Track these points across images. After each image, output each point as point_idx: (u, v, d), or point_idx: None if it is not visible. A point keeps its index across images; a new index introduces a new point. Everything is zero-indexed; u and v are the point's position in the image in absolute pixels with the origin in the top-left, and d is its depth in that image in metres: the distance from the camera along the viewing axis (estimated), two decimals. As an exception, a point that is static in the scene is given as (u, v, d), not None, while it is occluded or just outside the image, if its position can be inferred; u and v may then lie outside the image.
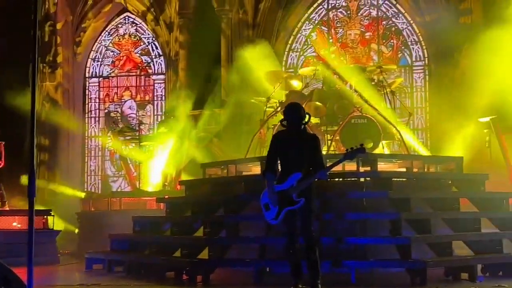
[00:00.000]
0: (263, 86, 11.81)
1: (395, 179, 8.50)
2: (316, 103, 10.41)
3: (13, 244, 10.34)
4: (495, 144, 11.91)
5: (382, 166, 9.00)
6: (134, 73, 17.90)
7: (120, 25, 18.08)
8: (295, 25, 16.75)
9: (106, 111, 17.89)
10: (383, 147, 10.48)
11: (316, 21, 16.86)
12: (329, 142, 10.33)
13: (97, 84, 18.07)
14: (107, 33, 18.13)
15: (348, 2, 16.71)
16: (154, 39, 17.64)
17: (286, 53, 16.63)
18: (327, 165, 6.44)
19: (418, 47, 16.27)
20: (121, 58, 17.97)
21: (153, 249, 9.21)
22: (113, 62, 18.04)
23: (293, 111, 6.44)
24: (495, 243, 8.08)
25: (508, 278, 7.64)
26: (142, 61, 17.90)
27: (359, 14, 16.64)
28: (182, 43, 16.37)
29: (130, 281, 8.28)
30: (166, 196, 11.61)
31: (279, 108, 10.55)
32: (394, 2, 16.40)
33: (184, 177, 13.20)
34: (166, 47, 17.02)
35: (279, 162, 6.44)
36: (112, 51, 18.09)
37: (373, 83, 10.76)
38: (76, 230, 14.15)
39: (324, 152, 8.56)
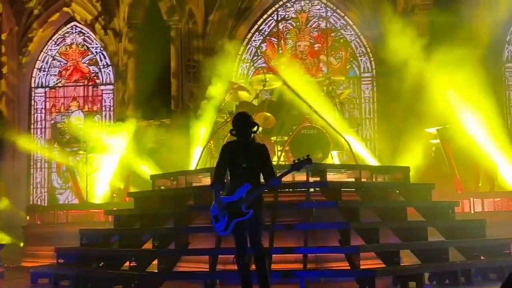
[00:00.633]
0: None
1: (344, 189, 8.56)
2: (266, 113, 10.42)
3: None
4: (442, 154, 12.16)
5: (331, 176, 9.04)
6: (81, 83, 17.63)
7: (67, 35, 17.81)
8: (245, 36, 16.80)
9: (53, 122, 17.56)
10: (332, 158, 10.54)
11: (266, 32, 16.95)
12: (279, 152, 10.34)
13: (43, 94, 17.73)
14: (53, 42, 17.83)
15: (298, 13, 16.87)
16: (102, 49, 17.41)
17: (236, 64, 16.67)
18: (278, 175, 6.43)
19: (366, 59, 16.52)
20: (68, 68, 17.69)
21: (100, 262, 9.02)
22: (60, 72, 17.73)
23: (241, 120, 6.41)
24: (441, 251, 8.20)
25: (454, 286, 7.77)
26: (90, 71, 17.64)
27: (308, 26, 16.81)
28: (131, 53, 16.21)
29: (77, 295, 8.11)
30: (115, 209, 11.44)
31: (229, 119, 10.51)
32: (343, 14, 16.62)
33: (133, 189, 13.03)
34: (115, 57, 16.82)
35: (228, 172, 6.40)
36: (59, 61, 17.78)
37: (322, 93, 10.84)
38: (21, 244, 13.79)
39: (274, 163, 8.56)
